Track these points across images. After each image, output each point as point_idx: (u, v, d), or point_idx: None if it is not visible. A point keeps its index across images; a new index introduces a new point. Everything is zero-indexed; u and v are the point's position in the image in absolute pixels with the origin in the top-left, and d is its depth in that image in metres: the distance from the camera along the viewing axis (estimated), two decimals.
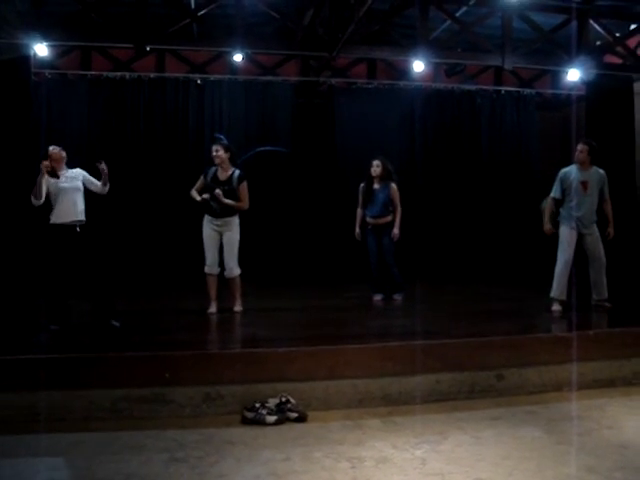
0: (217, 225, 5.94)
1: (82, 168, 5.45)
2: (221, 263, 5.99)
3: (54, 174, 5.18)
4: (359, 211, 7.01)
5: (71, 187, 5.20)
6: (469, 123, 10.27)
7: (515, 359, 4.69)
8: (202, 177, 5.99)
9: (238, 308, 6.08)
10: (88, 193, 5.43)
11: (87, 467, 3.33)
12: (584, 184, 5.98)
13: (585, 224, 6.01)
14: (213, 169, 5.95)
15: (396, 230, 6.81)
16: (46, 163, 5.12)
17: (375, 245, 6.92)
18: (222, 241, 5.94)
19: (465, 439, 3.75)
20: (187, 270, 8.01)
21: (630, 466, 3.32)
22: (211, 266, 5.95)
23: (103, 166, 5.31)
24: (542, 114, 10.60)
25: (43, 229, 5.33)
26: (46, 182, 5.14)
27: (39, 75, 8.78)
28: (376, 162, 6.90)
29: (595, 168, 6.08)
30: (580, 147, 6.06)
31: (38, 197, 5.09)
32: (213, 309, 6.00)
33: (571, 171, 6.08)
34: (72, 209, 5.18)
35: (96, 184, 5.41)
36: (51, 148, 5.29)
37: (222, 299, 6.10)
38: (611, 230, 6.09)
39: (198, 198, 5.94)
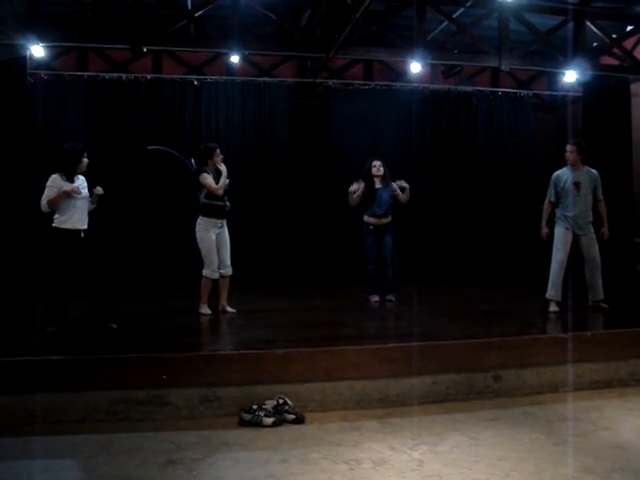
0: (219, 226, 5.96)
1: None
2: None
3: (71, 180, 5.17)
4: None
5: (81, 196, 5.19)
6: (466, 124, 10.26)
7: (512, 360, 4.70)
8: (208, 175, 5.89)
9: (231, 309, 6.12)
10: None
11: (83, 469, 3.33)
12: (577, 185, 6.02)
13: (580, 224, 6.03)
14: (211, 168, 5.96)
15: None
16: (76, 189, 5.10)
17: (376, 245, 6.94)
18: (217, 241, 5.96)
19: (463, 440, 3.75)
20: (183, 272, 8.00)
21: (628, 467, 3.33)
22: (216, 270, 5.94)
23: (99, 190, 5.32)
24: (539, 115, 10.61)
25: (45, 232, 5.31)
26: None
27: (35, 76, 8.75)
28: (378, 162, 6.93)
29: (587, 168, 6.11)
30: (569, 147, 6.11)
31: (54, 208, 5.09)
32: (209, 310, 6.03)
33: (563, 173, 6.12)
34: (80, 217, 5.19)
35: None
36: (85, 161, 5.25)
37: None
38: (606, 230, 6.11)
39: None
